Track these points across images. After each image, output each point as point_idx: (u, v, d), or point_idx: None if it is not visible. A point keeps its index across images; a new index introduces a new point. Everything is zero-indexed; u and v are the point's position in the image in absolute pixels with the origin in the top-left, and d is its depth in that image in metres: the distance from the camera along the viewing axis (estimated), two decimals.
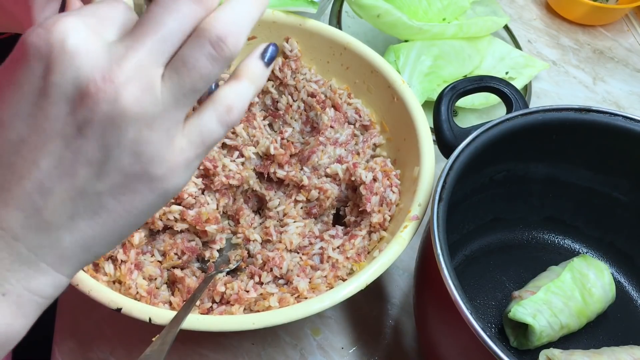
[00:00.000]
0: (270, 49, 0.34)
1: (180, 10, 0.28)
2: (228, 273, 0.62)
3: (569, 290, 0.61)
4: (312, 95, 0.71)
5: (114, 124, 0.27)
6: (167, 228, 0.62)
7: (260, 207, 0.69)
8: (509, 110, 0.63)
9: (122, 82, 0.27)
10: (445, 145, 0.61)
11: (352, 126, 0.71)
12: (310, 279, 0.59)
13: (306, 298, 0.56)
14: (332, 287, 0.57)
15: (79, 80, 0.27)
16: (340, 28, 0.84)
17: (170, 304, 0.58)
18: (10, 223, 0.28)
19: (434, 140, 0.63)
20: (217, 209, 0.65)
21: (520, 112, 0.60)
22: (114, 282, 0.57)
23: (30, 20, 0.39)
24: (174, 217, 0.61)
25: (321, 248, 0.61)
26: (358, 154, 0.69)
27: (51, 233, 0.28)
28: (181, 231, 0.62)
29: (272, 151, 0.66)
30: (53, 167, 0.28)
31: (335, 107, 0.71)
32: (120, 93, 0.27)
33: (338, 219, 0.68)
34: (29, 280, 0.28)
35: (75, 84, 0.27)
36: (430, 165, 0.61)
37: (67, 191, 0.28)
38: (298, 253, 0.62)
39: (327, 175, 0.67)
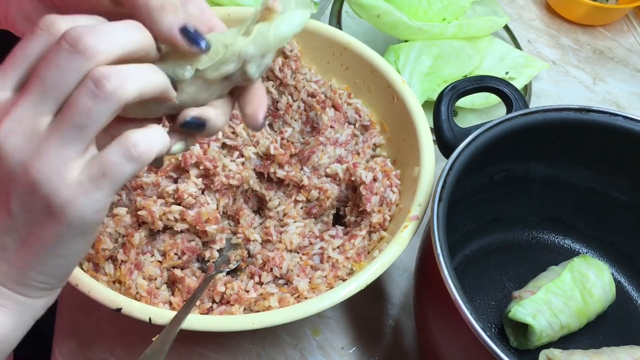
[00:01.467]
0: (190, 118, 0.36)
1: (59, 64, 0.30)
2: (228, 273, 0.62)
3: (569, 290, 0.61)
4: (312, 95, 0.71)
5: (3, 170, 0.31)
6: (167, 228, 0.62)
7: (260, 207, 0.69)
8: (509, 110, 0.63)
9: (2, 136, 0.30)
10: (445, 145, 0.61)
11: (352, 126, 0.71)
12: (310, 279, 0.59)
13: (306, 298, 0.56)
14: (332, 287, 0.57)
15: None
16: (340, 28, 0.84)
17: (170, 304, 0.58)
18: None
19: (434, 140, 0.63)
20: (217, 209, 0.65)
21: (520, 112, 0.60)
22: (114, 282, 0.57)
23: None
24: (174, 217, 0.61)
25: (321, 248, 0.61)
26: (358, 154, 0.69)
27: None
28: (181, 231, 0.62)
29: (272, 151, 0.66)
30: None
31: (335, 107, 0.71)
32: (1, 144, 0.30)
33: (338, 219, 0.68)
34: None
35: None
36: (430, 165, 0.61)
37: None
38: (298, 253, 0.62)
39: (327, 175, 0.67)
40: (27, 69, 0.32)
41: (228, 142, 0.68)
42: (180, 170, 0.65)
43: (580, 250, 0.71)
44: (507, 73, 0.87)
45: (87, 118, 0.30)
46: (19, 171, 0.31)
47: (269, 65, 0.37)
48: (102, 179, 0.32)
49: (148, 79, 0.32)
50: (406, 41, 0.83)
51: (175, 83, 0.34)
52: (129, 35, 0.32)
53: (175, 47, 0.34)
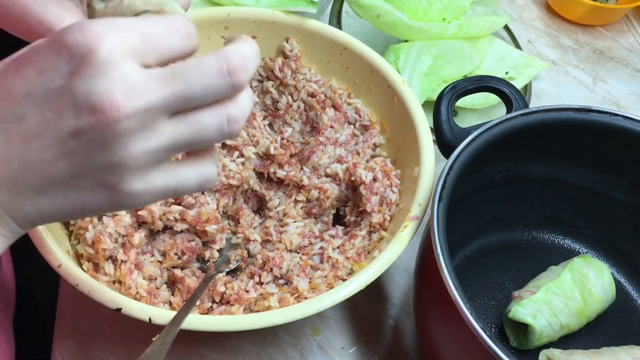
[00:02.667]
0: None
1: (213, 85, 0.31)
2: (228, 273, 0.62)
3: (569, 290, 0.61)
4: (312, 95, 0.71)
5: (104, 143, 0.30)
6: (167, 228, 0.62)
7: (260, 207, 0.69)
8: (509, 110, 0.63)
9: (125, 115, 0.30)
10: (445, 145, 0.61)
11: (352, 126, 0.71)
12: (310, 279, 0.59)
13: (306, 298, 0.56)
14: (332, 287, 0.57)
15: (92, 96, 0.29)
16: (340, 28, 0.84)
17: (170, 304, 0.58)
18: None
19: (434, 140, 0.63)
20: (217, 209, 0.65)
21: (520, 112, 0.60)
22: (114, 282, 0.57)
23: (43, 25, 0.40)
24: (174, 217, 0.61)
25: (321, 248, 0.61)
26: (358, 154, 0.69)
27: (19, 198, 0.32)
28: (181, 231, 0.62)
29: (272, 151, 0.66)
30: (39, 151, 0.31)
31: (335, 107, 0.71)
32: (120, 122, 0.30)
33: (338, 219, 0.68)
34: None
35: (88, 97, 0.29)
36: (430, 165, 0.61)
37: (42, 174, 0.31)
38: (298, 253, 0.62)
39: (327, 175, 0.67)
40: (164, 57, 0.32)
41: (228, 142, 0.68)
42: None
43: (580, 250, 0.71)
44: (507, 73, 0.87)
45: (202, 143, 0.33)
46: (118, 150, 0.31)
47: None
48: (171, 194, 0.34)
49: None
50: (406, 41, 0.83)
51: None
52: (256, 63, 0.34)
53: None
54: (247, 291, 0.57)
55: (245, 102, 0.33)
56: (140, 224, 0.61)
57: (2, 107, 0.30)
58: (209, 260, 0.63)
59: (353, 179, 0.64)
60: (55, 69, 0.29)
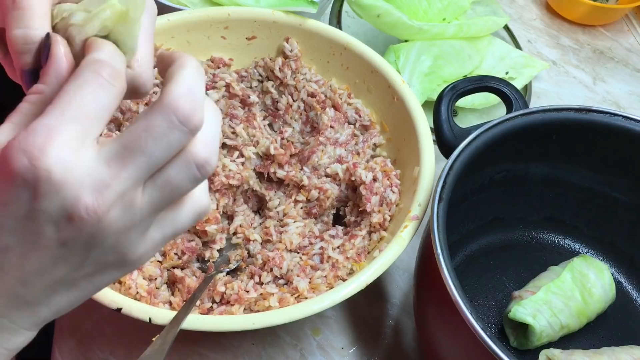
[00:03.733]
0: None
1: (170, 143, 0.29)
2: (228, 273, 0.62)
3: (569, 290, 0.61)
4: (312, 95, 0.71)
5: (95, 238, 0.30)
6: None
7: (260, 207, 0.69)
8: (509, 110, 0.63)
9: (105, 210, 0.29)
10: (445, 145, 0.61)
11: (352, 126, 0.71)
12: (310, 279, 0.59)
13: (306, 298, 0.56)
14: (332, 287, 0.57)
15: (64, 208, 0.29)
16: (340, 28, 0.84)
17: (170, 304, 0.58)
18: None
19: (434, 140, 0.63)
20: (217, 209, 0.65)
21: (520, 112, 0.60)
22: (114, 282, 0.57)
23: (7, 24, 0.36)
24: None
25: (321, 248, 0.61)
26: (358, 154, 0.69)
27: (30, 309, 0.32)
28: None
29: (272, 151, 0.66)
30: (35, 269, 0.31)
31: (335, 107, 0.71)
32: (102, 218, 0.29)
33: (338, 219, 0.68)
34: (7, 343, 0.33)
35: (61, 211, 0.29)
36: (430, 165, 0.61)
37: (46, 283, 0.31)
38: (298, 253, 0.62)
39: (327, 175, 0.67)
40: (107, 120, 0.30)
41: (228, 142, 0.68)
42: None
43: (580, 250, 0.71)
44: (507, 73, 0.87)
45: (181, 196, 0.32)
46: (110, 239, 0.30)
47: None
48: (171, 237, 0.34)
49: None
50: (406, 41, 0.83)
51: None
52: (204, 83, 0.32)
53: None
54: (247, 291, 0.57)
55: (210, 135, 0.31)
56: None
57: None
58: (209, 260, 0.63)
59: (353, 179, 0.64)
60: (17, 198, 0.28)
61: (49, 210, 0.29)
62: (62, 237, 0.29)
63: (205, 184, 0.34)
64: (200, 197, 0.34)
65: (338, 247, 0.61)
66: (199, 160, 0.31)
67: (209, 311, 0.57)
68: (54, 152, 0.28)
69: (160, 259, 0.61)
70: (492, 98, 0.81)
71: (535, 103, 0.90)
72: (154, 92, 0.66)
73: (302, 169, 0.67)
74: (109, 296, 0.51)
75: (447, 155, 0.58)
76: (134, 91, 0.33)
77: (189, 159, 0.30)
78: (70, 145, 0.28)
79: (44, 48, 0.31)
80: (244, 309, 0.57)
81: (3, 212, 0.29)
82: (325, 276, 0.59)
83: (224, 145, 0.69)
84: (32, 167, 0.28)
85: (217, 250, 0.64)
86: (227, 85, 0.70)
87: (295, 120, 0.72)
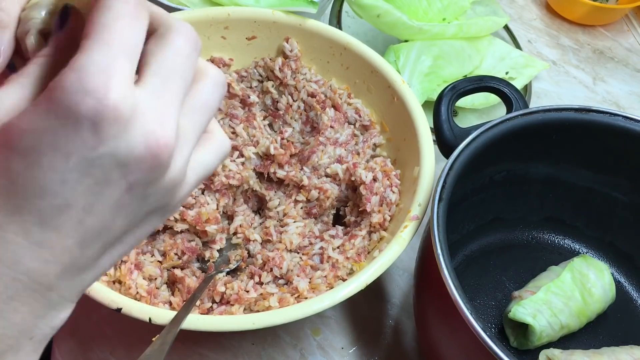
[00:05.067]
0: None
1: (193, 62, 0.30)
2: (228, 273, 0.62)
3: (569, 290, 0.61)
4: (312, 95, 0.71)
5: (157, 182, 0.29)
6: (167, 228, 0.62)
7: (260, 207, 0.69)
8: (509, 110, 0.63)
9: (173, 143, 0.28)
10: (445, 145, 0.61)
11: (352, 126, 0.71)
12: (310, 279, 0.59)
13: (306, 298, 0.56)
14: (332, 287, 0.57)
15: (136, 147, 0.27)
16: (340, 28, 0.84)
17: (170, 304, 0.58)
18: (49, 277, 0.29)
19: (434, 140, 0.63)
20: (217, 209, 0.65)
21: (520, 112, 0.60)
22: (114, 282, 0.57)
23: None
24: (174, 217, 0.61)
25: (321, 248, 0.61)
26: (358, 154, 0.69)
27: (80, 276, 0.30)
28: (181, 231, 0.62)
29: (272, 151, 0.66)
30: (96, 225, 0.28)
31: (335, 107, 0.71)
32: (172, 153, 0.28)
33: (338, 219, 0.68)
34: (54, 320, 0.31)
35: (132, 151, 0.27)
36: (430, 165, 0.61)
37: (104, 241, 0.29)
38: (298, 253, 0.62)
39: (327, 175, 0.67)
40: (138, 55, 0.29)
41: None
42: None
43: (580, 250, 0.71)
44: (507, 73, 0.87)
45: (213, 113, 0.32)
46: (170, 177, 0.29)
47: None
48: (201, 180, 0.33)
49: None
50: (406, 41, 0.83)
51: None
52: None
53: None
54: (247, 291, 0.57)
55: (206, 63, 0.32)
56: None
57: (42, 205, 0.27)
58: (209, 260, 0.63)
59: (353, 179, 0.64)
60: (82, 146, 0.26)
61: (118, 153, 0.26)
62: (130, 180, 0.28)
63: (219, 128, 0.34)
64: (222, 136, 0.33)
65: (338, 247, 0.61)
66: (214, 73, 0.31)
67: (209, 311, 0.57)
68: (119, 90, 0.26)
69: (160, 259, 0.61)
70: (492, 98, 0.81)
71: (535, 103, 0.90)
72: None
73: (302, 169, 0.67)
74: (109, 296, 0.51)
75: (447, 155, 0.58)
76: None
77: (209, 76, 0.31)
78: (128, 82, 0.27)
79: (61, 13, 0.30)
80: (244, 309, 0.57)
81: (66, 165, 0.26)
82: (325, 276, 0.59)
83: None
84: (102, 107, 0.25)
85: (217, 250, 0.64)
86: (227, 85, 0.70)
87: (295, 120, 0.72)
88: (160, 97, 0.28)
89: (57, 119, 0.26)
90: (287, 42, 0.73)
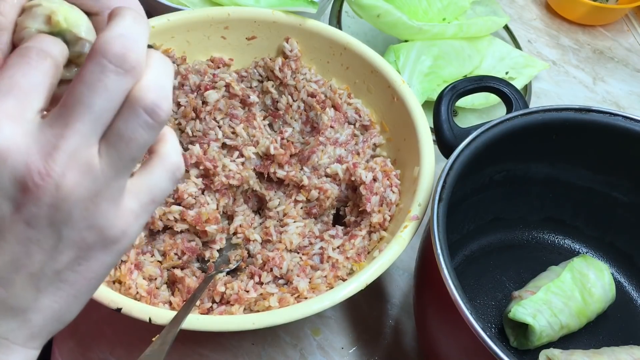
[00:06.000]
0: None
1: (107, 87, 0.28)
2: (228, 273, 0.62)
3: (569, 290, 0.61)
4: (312, 95, 0.71)
5: (60, 210, 0.28)
6: (167, 228, 0.62)
7: (260, 207, 0.69)
8: (509, 110, 0.63)
9: (60, 173, 0.27)
10: (445, 145, 0.61)
11: (352, 126, 0.71)
12: (310, 279, 0.59)
13: (306, 298, 0.56)
14: (332, 287, 0.57)
15: (15, 180, 0.27)
16: (340, 28, 0.84)
17: (170, 304, 0.58)
18: None
19: (434, 140, 0.63)
20: (217, 209, 0.65)
21: (520, 112, 0.60)
22: (114, 282, 0.57)
23: None
24: (174, 218, 0.61)
25: (321, 248, 0.61)
26: (358, 154, 0.69)
27: (18, 316, 0.29)
28: (181, 231, 0.62)
29: (272, 151, 0.66)
30: (8, 262, 0.28)
31: (335, 107, 0.71)
32: (60, 183, 0.27)
33: (338, 219, 0.68)
34: None
35: (13, 183, 0.27)
36: (430, 165, 0.61)
37: (25, 278, 0.28)
38: (298, 253, 0.62)
39: (327, 175, 0.67)
40: (50, 88, 0.29)
41: (228, 142, 0.68)
42: None
43: (580, 250, 0.71)
44: (507, 73, 0.87)
45: (142, 149, 0.29)
46: (77, 210, 0.28)
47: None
48: (152, 204, 0.31)
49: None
50: (406, 41, 0.83)
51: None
52: (146, 31, 0.30)
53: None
54: (247, 291, 0.57)
55: (156, 79, 0.29)
56: None
57: None
58: (209, 260, 0.63)
59: (353, 179, 0.64)
60: None
61: (0, 186, 0.26)
62: (24, 214, 0.27)
63: (173, 140, 0.32)
64: (169, 155, 0.31)
65: (338, 247, 0.61)
66: (146, 103, 0.28)
67: (209, 311, 0.57)
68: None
69: (160, 259, 0.61)
70: (492, 98, 0.81)
71: (535, 103, 0.90)
72: None
73: (302, 169, 0.67)
74: (109, 296, 0.51)
75: (447, 155, 0.58)
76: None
77: (134, 104, 0.28)
78: (9, 117, 0.27)
79: None
80: (244, 309, 0.57)
81: None
82: (325, 276, 0.59)
83: (223, 145, 0.69)
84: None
85: (217, 250, 0.64)
86: (227, 85, 0.70)
87: (295, 120, 0.72)
88: (53, 126, 0.28)
89: None
90: (287, 42, 0.73)
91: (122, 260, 0.58)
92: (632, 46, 1.04)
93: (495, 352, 0.44)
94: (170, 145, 0.32)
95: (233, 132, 0.69)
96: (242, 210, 0.67)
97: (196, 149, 0.65)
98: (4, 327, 0.29)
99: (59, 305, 0.30)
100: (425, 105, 0.75)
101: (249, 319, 0.51)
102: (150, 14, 0.71)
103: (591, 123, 0.60)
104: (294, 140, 0.70)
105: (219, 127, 0.68)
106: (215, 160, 0.65)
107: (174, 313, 0.49)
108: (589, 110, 0.60)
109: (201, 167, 0.65)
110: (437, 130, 0.62)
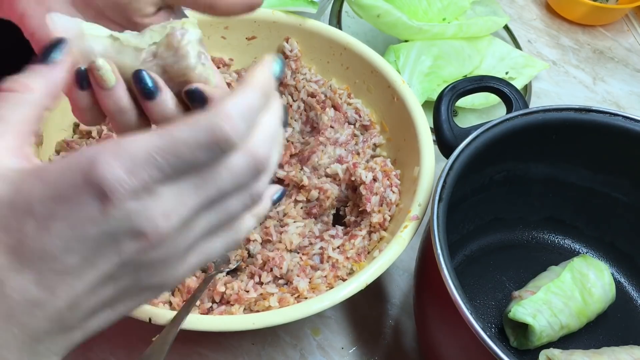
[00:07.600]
0: (280, 192, 0.39)
1: (242, 182, 0.31)
2: (228, 273, 0.62)
3: (569, 290, 0.61)
4: (312, 95, 0.71)
5: (151, 261, 0.30)
6: None
7: None
8: (509, 110, 0.63)
9: (170, 235, 0.29)
10: (445, 145, 0.61)
11: (352, 126, 0.71)
12: (310, 279, 0.59)
13: (306, 298, 0.56)
14: (332, 287, 0.57)
15: (136, 228, 0.28)
16: (340, 28, 0.84)
17: (170, 304, 0.58)
18: (38, 332, 0.30)
19: (434, 140, 0.63)
20: None
21: (520, 112, 0.60)
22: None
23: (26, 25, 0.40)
24: None
25: (321, 248, 0.61)
26: (358, 154, 0.69)
27: (68, 334, 0.32)
28: None
29: None
30: (87, 291, 0.30)
31: (335, 107, 0.71)
32: (165, 241, 0.29)
33: (338, 219, 0.68)
34: None
35: (132, 230, 0.28)
36: (430, 165, 0.61)
37: (91, 306, 0.31)
38: (298, 253, 0.62)
39: (327, 175, 0.67)
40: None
41: None
42: None
43: (580, 250, 0.71)
44: (507, 73, 0.87)
45: (231, 221, 0.33)
46: (161, 261, 0.30)
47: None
48: (204, 263, 0.34)
49: None
50: (406, 41, 0.83)
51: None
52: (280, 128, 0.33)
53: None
54: (247, 291, 0.57)
55: (270, 171, 0.33)
56: None
57: (43, 267, 0.29)
58: None
59: (353, 179, 0.64)
60: (89, 218, 0.28)
61: (118, 229, 0.28)
62: (124, 257, 0.29)
63: (240, 225, 0.35)
64: (235, 232, 0.34)
65: (338, 247, 0.61)
66: (256, 192, 0.32)
67: (209, 311, 0.57)
68: (133, 187, 0.28)
69: None
70: (492, 98, 0.81)
71: (535, 103, 0.90)
72: None
73: (302, 169, 0.67)
74: None
75: (447, 155, 0.58)
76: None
77: (249, 191, 0.32)
78: (141, 189, 0.28)
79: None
80: (244, 309, 0.57)
81: (72, 234, 0.28)
82: (325, 276, 0.59)
83: None
84: (115, 210, 0.28)
85: None
86: (227, 85, 0.70)
87: (295, 120, 0.72)
88: (183, 194, 0.29)
89: (77, 192, 0.28)
90: (287, 42, 0.73)
91: None
92: (632, 46, 1.04)
93: (495, 352, 0.44)
94: (239, 225, 0.35)
95: None
96: None
97: None
98: (51, 341, 0.31)
99: (98, 326, 0.33)
100: (425, 105, 0.75)
101: (249, 319, 0.51)
102: None
103: (591, 123, 0.60)
104: (294, 140, 0.70)
105: None
106: None
107: (174, 313, 0.49)
108: (589, 110, 0.60)
109: None
110: (437, 130, 0.62)
